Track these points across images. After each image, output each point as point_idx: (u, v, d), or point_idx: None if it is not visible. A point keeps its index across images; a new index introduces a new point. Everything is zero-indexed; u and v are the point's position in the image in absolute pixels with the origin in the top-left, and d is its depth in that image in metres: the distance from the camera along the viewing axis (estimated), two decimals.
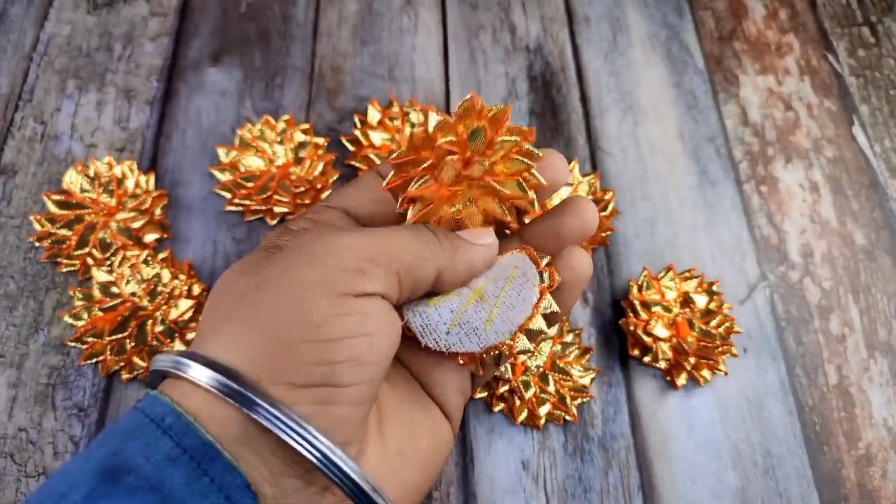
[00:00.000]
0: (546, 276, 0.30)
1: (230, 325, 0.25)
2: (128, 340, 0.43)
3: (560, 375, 0.43)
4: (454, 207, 0.29)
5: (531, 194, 0.29)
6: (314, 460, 0.23)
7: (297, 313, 0.24)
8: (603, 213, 0.49)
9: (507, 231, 0.32)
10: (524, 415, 0.42)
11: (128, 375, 0.43)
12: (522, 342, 0.28)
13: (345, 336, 0.24)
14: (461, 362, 0.29)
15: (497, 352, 0.28)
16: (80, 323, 0.44)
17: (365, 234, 0.27)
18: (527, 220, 0.32)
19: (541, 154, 0.29)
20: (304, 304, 0.24)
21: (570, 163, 0.50)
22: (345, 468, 0.23)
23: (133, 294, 0.44)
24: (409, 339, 0.29)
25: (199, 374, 0.23)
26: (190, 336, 0.43)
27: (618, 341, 0.46)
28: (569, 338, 0.45)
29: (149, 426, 0.22)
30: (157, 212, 0.48)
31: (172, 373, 0.24)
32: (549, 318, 0.29)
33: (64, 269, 0.46)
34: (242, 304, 0.25)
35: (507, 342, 0.28)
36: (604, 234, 0.48)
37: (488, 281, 0.29)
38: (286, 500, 0.24)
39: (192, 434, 0.22)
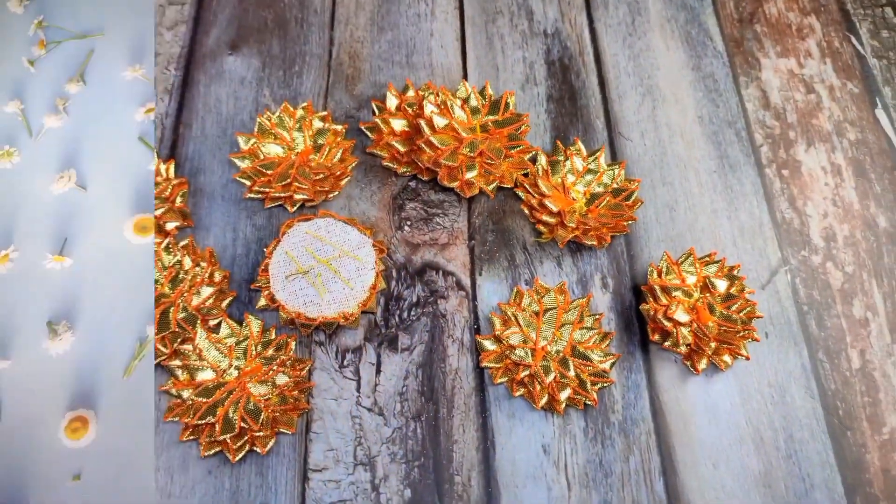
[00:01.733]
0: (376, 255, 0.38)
1: None
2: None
3: (580, 360, 0.43)
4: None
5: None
6: None
7: None
8: (626, 202, 0.48)
9: None
10: (544, 400, 0.42)
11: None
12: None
13: None
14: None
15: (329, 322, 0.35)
16: None
17: None
18: None
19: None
20: None
21: (596, 151, 0.50)
22: None
23: (155, 281, 0.44)
24: None
25: None
26: (212, 323, 0.44)
27: (638, 326, 0.46)
28: (589, 322, 0.45)
29: None
30: (178, 200, 0.48)
31: None
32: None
33: None
34: None
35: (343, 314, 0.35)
36: (625, 223, 0.48)
37: (333, 256, 0.36)
38: None
39: None
